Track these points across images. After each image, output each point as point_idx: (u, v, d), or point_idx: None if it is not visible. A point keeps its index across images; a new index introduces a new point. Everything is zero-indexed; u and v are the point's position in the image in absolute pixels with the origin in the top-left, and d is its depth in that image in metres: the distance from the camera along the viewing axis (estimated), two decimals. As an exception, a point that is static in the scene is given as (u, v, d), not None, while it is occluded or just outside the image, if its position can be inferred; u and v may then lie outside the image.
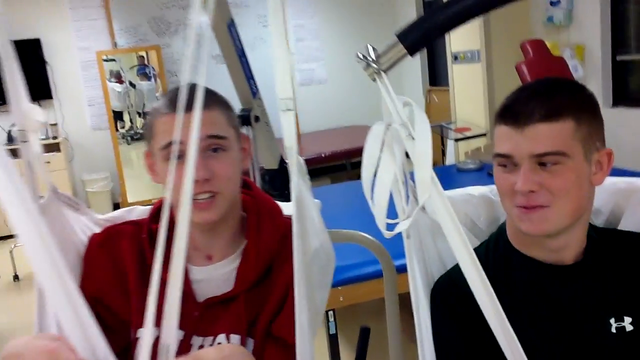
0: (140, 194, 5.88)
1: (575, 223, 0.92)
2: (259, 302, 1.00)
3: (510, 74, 5.02)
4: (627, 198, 1.03)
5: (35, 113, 0.91)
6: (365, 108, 6.60)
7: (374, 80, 0.79)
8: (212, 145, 0.98)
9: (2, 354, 0.71)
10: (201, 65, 0.66)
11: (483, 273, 0.71)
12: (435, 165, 0.81)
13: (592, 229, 0.99)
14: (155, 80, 6.30)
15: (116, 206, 6.07)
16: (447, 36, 5.54)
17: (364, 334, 1.43)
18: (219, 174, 0.97)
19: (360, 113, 6.75)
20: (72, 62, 6.00)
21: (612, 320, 0.92)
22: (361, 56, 0.78)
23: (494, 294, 0.70)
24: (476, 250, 1.08)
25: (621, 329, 0.92)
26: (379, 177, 0.80)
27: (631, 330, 0.91)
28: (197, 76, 0.68)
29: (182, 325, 0.99)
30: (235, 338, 0.98)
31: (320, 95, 6.91)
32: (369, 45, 0.79)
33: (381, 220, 0.79)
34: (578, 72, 4.33)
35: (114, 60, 6.15)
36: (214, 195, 0.97)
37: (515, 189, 0.89)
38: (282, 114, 0.84)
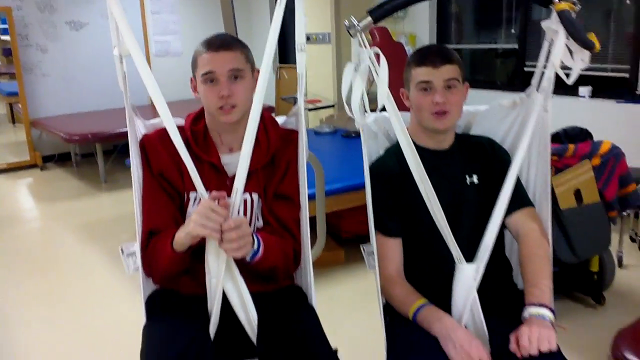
0: None
1: (454, 125, 1.61)
2: (267, 176, 1.54)
3: (355, 55, 5.85)
4: (474, 117, 1.75)
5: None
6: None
7: (354, 36, 1.39)
8: (234, 75, 1.48)
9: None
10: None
11: (415, 149, 1.36)
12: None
13: (455, 133, 1.69)
14: None
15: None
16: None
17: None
18: (236, 93, 1.48)
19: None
20: None
21: (467, 177, 1.62)
22: (350, 21, 1.38)
23: (420, 163, 1.36)
24: (393, 146, 1.74)
25: (472, 182, 1.62)
26: (354, 92, 1.41)
27: (477, 183, 1.62)
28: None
29: (220, 190, 1.51)
30: (255, 195, 1.52)
31: (175, 67, 7.19)
32: (351, 17, 1.39)
33: (357, 116, 1.41)
34: (410, 56, 5.27)
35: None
36: (233, 106, 1.48)
37: (433, 101, 1.51)
38: (298, 53, 1.42)
